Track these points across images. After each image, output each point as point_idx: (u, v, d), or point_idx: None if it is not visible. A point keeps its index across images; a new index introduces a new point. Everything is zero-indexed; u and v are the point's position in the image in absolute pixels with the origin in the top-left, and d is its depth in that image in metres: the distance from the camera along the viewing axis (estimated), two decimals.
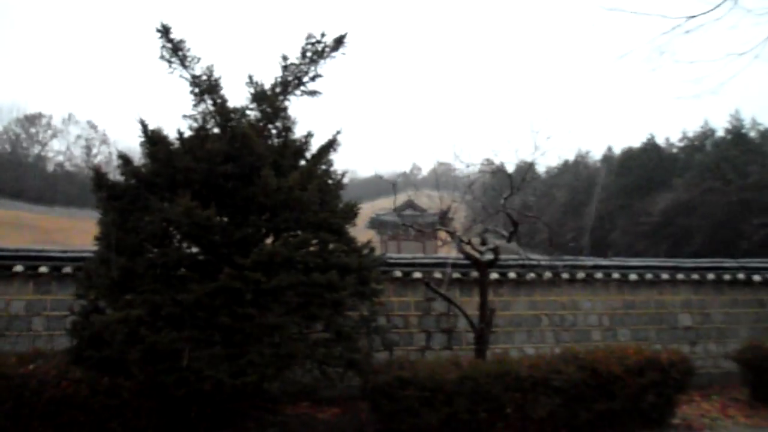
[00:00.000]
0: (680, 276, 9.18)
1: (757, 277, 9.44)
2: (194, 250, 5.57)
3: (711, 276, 9.29)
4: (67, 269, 7.21)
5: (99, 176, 5.62)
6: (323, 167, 5.89)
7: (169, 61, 5.78)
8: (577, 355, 6.26)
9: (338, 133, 5.98)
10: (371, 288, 5.96)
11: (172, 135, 5.70)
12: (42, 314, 7.16)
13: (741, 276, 9.39)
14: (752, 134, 36.02)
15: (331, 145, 5.95)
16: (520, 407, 5.77)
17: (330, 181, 5.91)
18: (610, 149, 47.74)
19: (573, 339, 8.43)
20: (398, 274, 8.08)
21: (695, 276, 9.24)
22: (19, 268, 7.13)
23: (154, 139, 5.64)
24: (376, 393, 5.62)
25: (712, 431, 6.37)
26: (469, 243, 7.27)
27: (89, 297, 5.57)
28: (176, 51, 5.71)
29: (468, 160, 7.76)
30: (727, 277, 9.36)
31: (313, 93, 5.87)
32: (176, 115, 5.85)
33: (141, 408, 5.17)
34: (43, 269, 7.17)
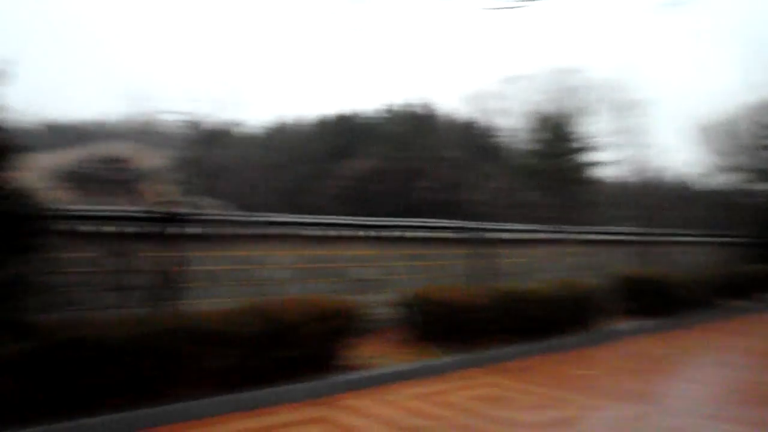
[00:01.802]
0: (360, 233, 10.13)
1: (422, 234, 10.91)
2: None
3: (387, 233, 10.44)
4: None
5: None
6: None
7: None
8: (260, 306, 6.52)
9: None
10: (34, 241, 5.37)
11: None
12: None
13: (410, 233, 10.75)
14: (427, 112, 41.55)
15: None
16: (198, 360, 5.84)
17: None
18: (323, 114, 49.62)
19: (264, 292, 8.70)
20: (82, 227, 7.40)
21: (374, 233, 10.28)
22: None
23: None
24: (41, 357, 5.14)
25: (381, 368, 7.17)
26: (164, 196, 7.01)
27: None
28: None
29: (170, 111, 7.36)
30: (397, 233, 10.63)
31: None
32: None
33: None
34: None
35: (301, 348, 6.46)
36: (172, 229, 7.43)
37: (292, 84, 71.98)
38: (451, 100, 76.57)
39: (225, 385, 6.00)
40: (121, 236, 7.56)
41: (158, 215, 7.32)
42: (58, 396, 5.16)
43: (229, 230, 8.57)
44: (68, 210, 7.51)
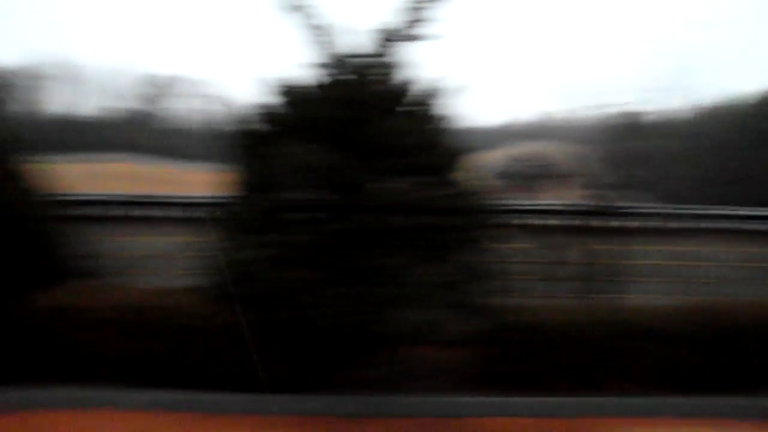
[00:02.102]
0: None
1: None
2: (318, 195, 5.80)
3: None
4: (197, 213, 7.55)
5: (244, 125, 6.04)
6: (433, 112, 5.93)
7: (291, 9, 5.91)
8: (703, 306, 6.03)
9: (447, 78, 5.98)
10: (480, 233, 5.99)
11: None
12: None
13: None
14: None
15: (440, 90, 5.94)
16: (634, 356, 5.74)
17: (438, 126, 5.95)
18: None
19: (700, 291, 7.98)
20: (514, 220, 7.98)
21: None
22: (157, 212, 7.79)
23: (289, 89, 5.91)
24: (492, 336, 5.71)
25: None
26: (590, 190, 7.12)
27: (230, 238, 5.93)
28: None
29: (589, 106, 7.49)
30: None
31: (425, 38, 5.86)
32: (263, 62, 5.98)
33: (270, 342, 5.54)
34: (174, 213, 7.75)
35: (754, 357, 5.72)
36: (599, 223, 7.44)
37: (728, 61, 63.98)
38: None
39: (659, 386, 5.73)
40: (551, 229, 7.86)
41: (586, 209, 7.41)
42: (504, 372, 5.71)
43: (658, 224, 8.14)
44: (503, 204, 8.15)
